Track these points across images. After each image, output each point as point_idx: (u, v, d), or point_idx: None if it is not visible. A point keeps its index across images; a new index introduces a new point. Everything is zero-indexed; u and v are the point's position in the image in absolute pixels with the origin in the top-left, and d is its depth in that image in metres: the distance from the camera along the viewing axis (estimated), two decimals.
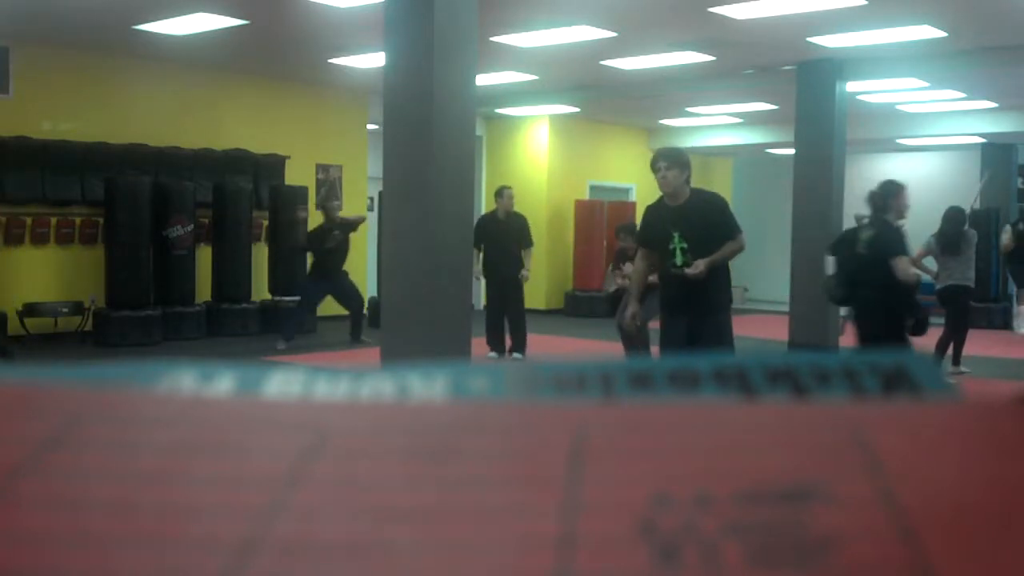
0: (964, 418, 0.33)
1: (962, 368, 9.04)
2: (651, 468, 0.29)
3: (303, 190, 12.40)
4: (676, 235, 5.61)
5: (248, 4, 8.88)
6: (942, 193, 12.95)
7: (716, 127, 17.02)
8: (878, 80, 11.81)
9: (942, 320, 9.01)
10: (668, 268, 5.70)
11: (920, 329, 6.09)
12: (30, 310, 10.51)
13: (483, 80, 11.01)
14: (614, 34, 9.76)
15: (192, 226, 11.21)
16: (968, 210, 9.60)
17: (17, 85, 10.56)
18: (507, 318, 9.66)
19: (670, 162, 5.66)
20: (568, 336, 12.65)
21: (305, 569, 0.25)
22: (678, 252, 5.61)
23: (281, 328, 10.68)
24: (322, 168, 13.50)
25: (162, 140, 11.60)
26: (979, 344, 10.48)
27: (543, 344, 11.88)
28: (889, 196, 6.13)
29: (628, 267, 16.55)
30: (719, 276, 5.72)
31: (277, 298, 11.83)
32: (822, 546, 0.25)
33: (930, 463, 0.30)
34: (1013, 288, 13.89)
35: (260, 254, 12.07)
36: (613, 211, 16.27)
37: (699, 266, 5.54)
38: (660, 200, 5.83)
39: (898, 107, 14.31)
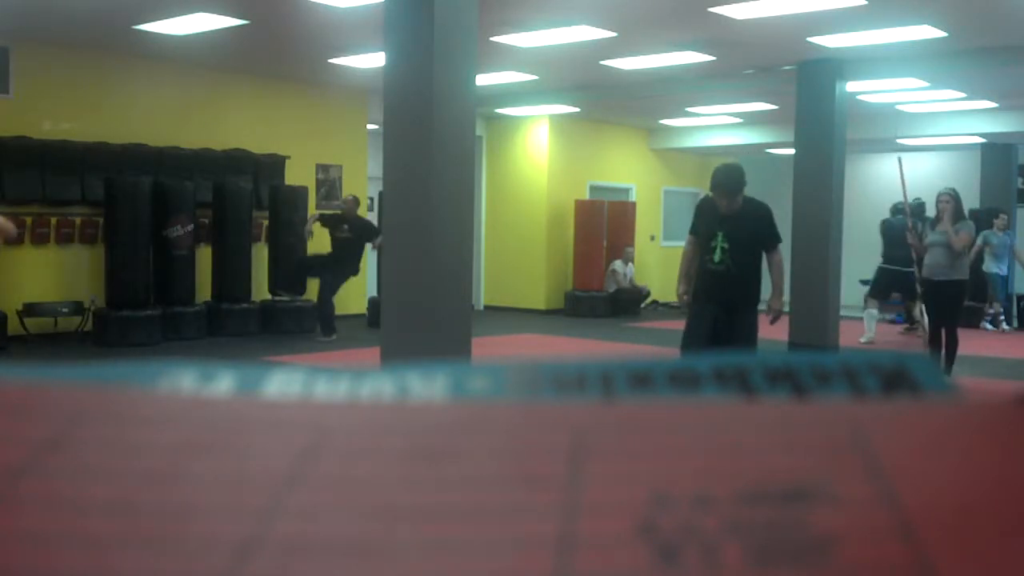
0: (964, 418, 0.33)
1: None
2: (651, 468, 0.29)
3: (303, 190, 12.40)
4: (720, 235, 5.99)
5: (248, 4, 8.88)
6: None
7: (716, 127, 17.01)
8: (878, 80, 11.81)
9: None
10: (705, 263, 6.08)
11: None
12: (30, 310, 10.51)
13: (483, 80, 11.01)
14: (614, 34, 9.76)
15: (192, 226, 11.20)
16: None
17: (17, 85, 10.56)
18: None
19: (731, 190, 5.97)
20: (568, 336, 12.65)
21: (305, 569, 0.25)
22: (718, 250, 5.99)
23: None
24: (322, 168, 13.50)
25: (162, 140, 11.59)
26: (979, 344, 10.47)
27: (543, 344, 11.89)
28: None
29: (618, 264, 16.51)
30: (753, 275, 6.07)
31: (277, 297, 11.84)
32: (822, 546, 0.25)
33: (930, 463, 0.30)
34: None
35: (260, 254, 12.07)
36: (613, 211, 16.27)
37: (777, 312, 6.20)
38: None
39: (898, 107, 14.31)
